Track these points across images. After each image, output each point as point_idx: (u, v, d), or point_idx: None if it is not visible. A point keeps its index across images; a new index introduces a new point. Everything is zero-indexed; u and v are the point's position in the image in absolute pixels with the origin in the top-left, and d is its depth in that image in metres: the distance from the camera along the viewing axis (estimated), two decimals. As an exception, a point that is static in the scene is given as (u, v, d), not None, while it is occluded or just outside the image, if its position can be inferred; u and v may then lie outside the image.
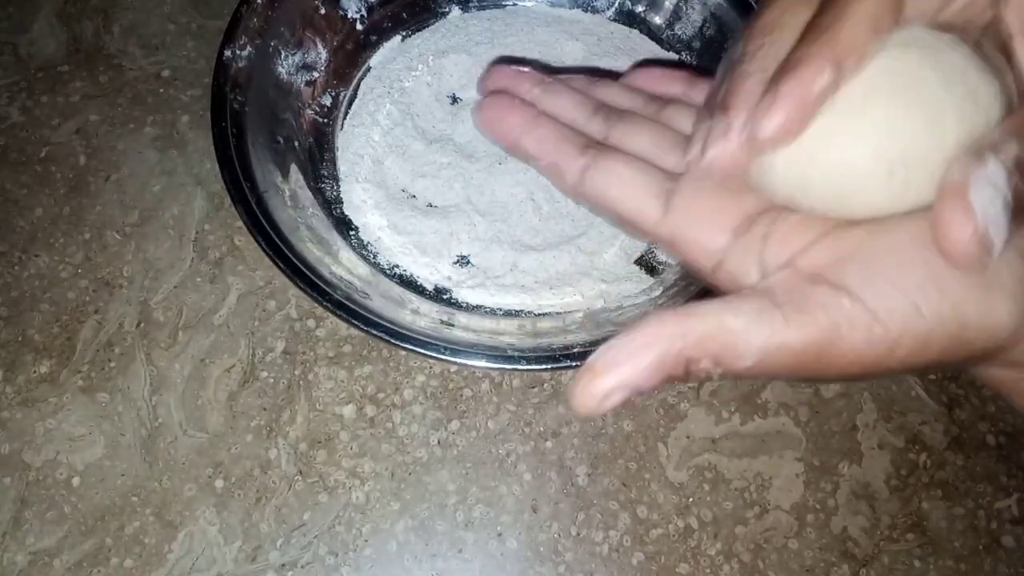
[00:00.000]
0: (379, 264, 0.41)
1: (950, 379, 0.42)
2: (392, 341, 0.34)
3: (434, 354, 0.34)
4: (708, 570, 0.38)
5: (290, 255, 0.35)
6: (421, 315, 0.37)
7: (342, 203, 0.42)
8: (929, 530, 0.39)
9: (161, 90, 0.47)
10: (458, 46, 0.47)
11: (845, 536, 0.39)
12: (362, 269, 0.40)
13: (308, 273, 0.35)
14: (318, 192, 0.42)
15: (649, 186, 0.23)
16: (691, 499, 0.39)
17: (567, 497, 0.39)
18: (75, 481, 0.38)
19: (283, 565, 0.37)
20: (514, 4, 0.49)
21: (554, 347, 0.35)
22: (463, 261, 0.41)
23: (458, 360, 0.34)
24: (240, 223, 0.43)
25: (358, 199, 0.42)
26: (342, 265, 0.38)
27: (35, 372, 0.40)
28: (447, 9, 0.49)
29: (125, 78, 0.48)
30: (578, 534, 0.38)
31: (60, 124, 0.46)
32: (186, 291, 0.42)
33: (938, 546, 0.39)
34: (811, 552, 0.38)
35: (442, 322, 0.38)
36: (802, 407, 0.41)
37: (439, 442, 0.39)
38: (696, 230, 0.22)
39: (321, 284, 0.35)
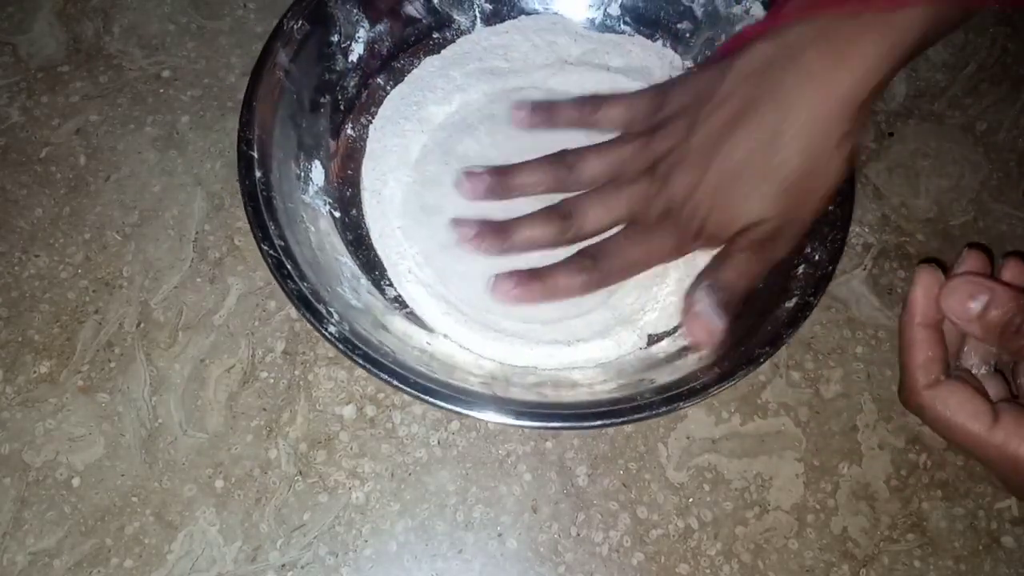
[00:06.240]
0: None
1: (950, 379, 0.42)
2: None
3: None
4: (708, 571, 0.38)
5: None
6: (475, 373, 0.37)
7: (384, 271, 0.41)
8: (929, 530, 0.39)
9: (161, 90, 0.47)
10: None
11: (845, 536, 0.39)
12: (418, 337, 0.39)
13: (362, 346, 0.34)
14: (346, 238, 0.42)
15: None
16: (691, 499, 0.39)
17: (567, 497, 0.39)
18: (75, 481, 0.38)
19: (283, 565, 0.37)
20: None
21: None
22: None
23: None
24: (240, 223, 0.44)
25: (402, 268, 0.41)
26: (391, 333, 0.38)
27: (35, 372, 0.40)
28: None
29: (125, 78, 0.48)
30: (578, 534, 0.38)
31: (60, 124, 0.46)
32: (186, 291, 0.42)
33: (938, 546, 0.39)
34: (811, 552, 0.38)
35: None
36: (802, 407, 0.41)
37: (439, 442, 0.39)
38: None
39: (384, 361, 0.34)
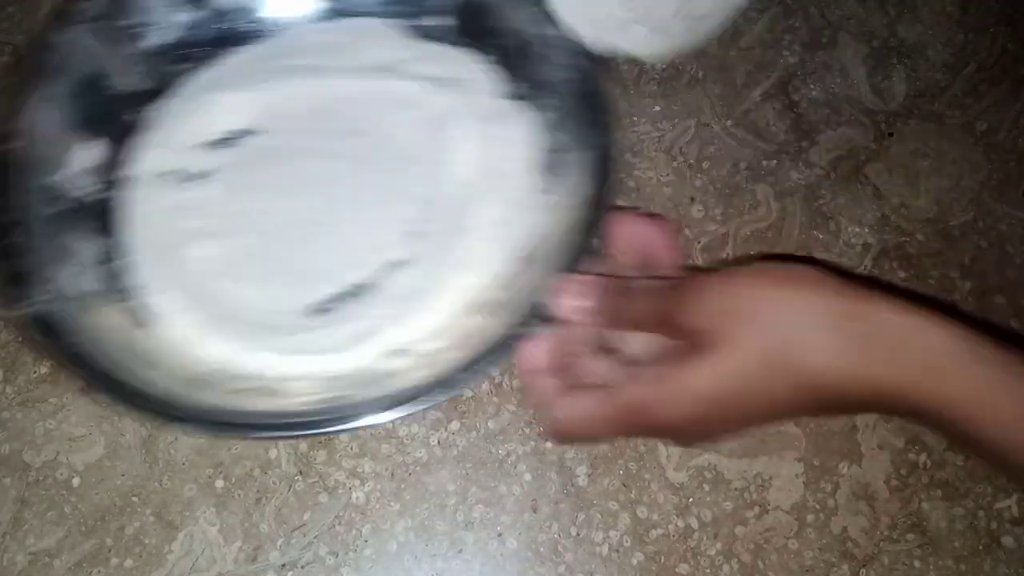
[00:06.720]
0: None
1: (950, 379, 0.42)
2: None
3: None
4: (708, 570, 0.38)
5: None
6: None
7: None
8: (929, 530, 0.39)
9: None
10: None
11: (845, 536, 0.39)
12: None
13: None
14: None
15: None
16: (691, 499, 0.39)
17: (567, 497, 0.39)
18: (75, 481, 0.38)
19: (283, 565, 0.37)
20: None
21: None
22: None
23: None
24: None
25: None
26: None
27: (35, 372, 0.40)
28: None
29: (125, 78, 0.48)
30: (578, 534, 0.38)
31: (60, 124, 0.46)
32: (186, 291, 0.42)
33: (938, 546, 0.39)
34: (811, 552, 0.38)
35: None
36: (802, 407, 0.41)
37: (439, 442, 0.39)
38: None
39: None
